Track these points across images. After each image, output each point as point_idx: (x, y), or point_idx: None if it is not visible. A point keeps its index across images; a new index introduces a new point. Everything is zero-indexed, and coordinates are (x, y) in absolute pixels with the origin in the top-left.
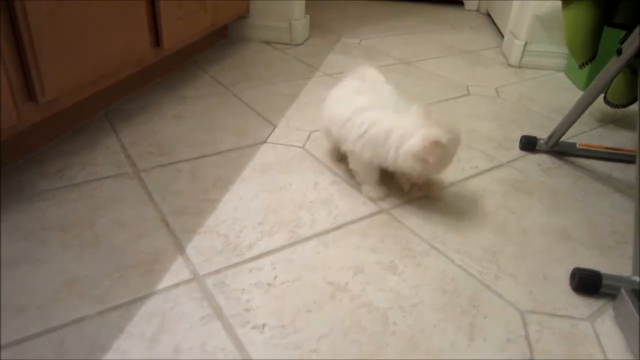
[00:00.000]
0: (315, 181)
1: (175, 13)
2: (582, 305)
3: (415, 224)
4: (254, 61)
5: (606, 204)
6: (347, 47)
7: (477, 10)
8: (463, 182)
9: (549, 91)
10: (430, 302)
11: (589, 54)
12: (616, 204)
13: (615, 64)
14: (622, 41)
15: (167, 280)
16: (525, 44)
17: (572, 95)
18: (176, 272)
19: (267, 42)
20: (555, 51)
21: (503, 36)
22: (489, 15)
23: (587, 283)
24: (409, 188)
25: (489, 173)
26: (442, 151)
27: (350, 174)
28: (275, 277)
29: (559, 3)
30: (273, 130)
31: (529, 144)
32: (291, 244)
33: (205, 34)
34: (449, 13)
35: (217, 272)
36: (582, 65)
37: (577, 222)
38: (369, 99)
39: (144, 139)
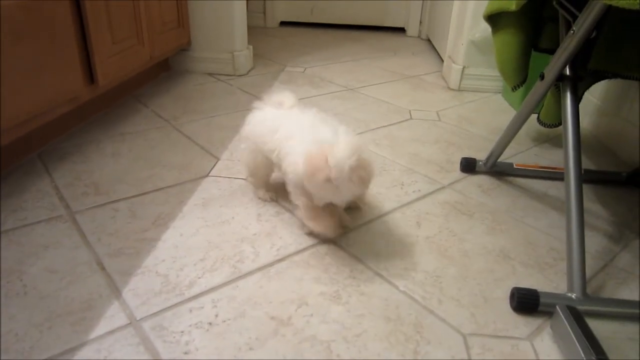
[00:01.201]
0: (258, 213)
1: (110, 49)
2: (522, 324)
3: (359, 251)
4: (197, 93)
5: (543, 222)
6: (291, 76)
7: (419, 36)
8: (406, 207)
9: (487, 113)
10: (374, 332)
11: (519, 77)
12: (553, 222)
13: (540, 87)
14: None
15: (101, 328)
16: (463, 68)
17: (509, 116)
18: (111, 317)
19: (211, 74)
20: (491, 74)
21: (443, 61)
22: (429, 40)
23: (525, 302)
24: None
25: (431, 196)
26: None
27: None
28: (216, 316)
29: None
30: (216, 163)
31: (468, 166)
32: (233, 280)
33: (145, 68)
34: (392, 40)
35: (155, 314)
36: (514, 88)
37: (516, 241)
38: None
39: (79, 179)
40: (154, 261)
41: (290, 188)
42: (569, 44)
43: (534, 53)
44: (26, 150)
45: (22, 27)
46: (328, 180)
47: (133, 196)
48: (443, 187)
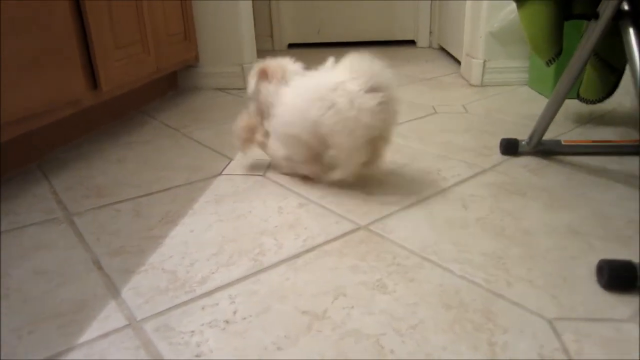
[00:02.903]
0: (278, 206)
1: (113, 54)
2: (619, 304)
3: (400, 236)
4: (206, 106)
5: (611, 194)
6: None
7: (430, 46)
8: (447, 191)
9: (517, 102)
10: (433, 322)
11: (554, 48)
12: (622, 195)
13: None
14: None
15: (93, 331)
16: (484, 62)
17: (541, 104)
18: (106, 319)
19: (221, 89)
20: (514, 66)
21: (460, 63)
22: (442, 49)
23: (620, 276)
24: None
25: (473, 179)
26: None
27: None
28: (234, 312)
29: (511, 17)
30: (229, 163)
31: (510, 147)
32: (253, 274)
33: (152, 80)
34: (403, 51)
35: (159, 314)
36: (549, 62)
37: (583, 217)
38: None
39: (81, 184)
40: (160, 258)
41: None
42: None
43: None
44: (26, 160)
45: (19, 21)
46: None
47: (137, 197)
48: (484, 170)
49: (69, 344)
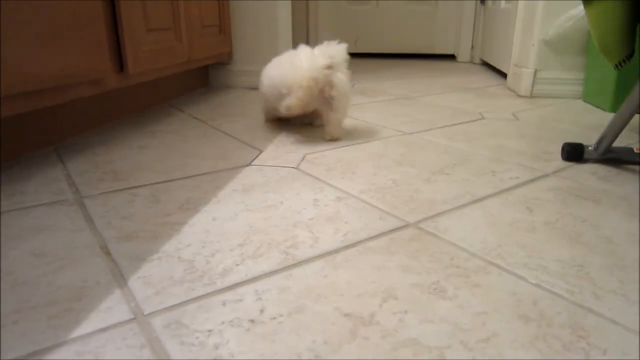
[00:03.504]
0: (314, 198)
1: (143, 37)
2: None
3: (457, 236)
4: (237, 102)
5: None
6: None
7: (471, 61)
8: (506, 192)
9: (573, 113)
10: (509, 335)
11: (625, 49)
12: None
13: None
14: None
15: (90, 323)
16: (535, 71)
17: (601, 116)
18: (108, 310)
19: (253, 88)
20: (569, 77)
21: (505, 76)
22: (484, 64)
23: None
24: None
25: (535, 183)
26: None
27: (361, 187)
28: (261, 311)
29: (568, 24)
30: (259, 154)
31: (574, 153)
32: (285, 268)
33: (182, 72)
34: (443, 64)
35: (171, 308)
36: (619, 65)
37: None
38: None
39: (97, 167)
40: (177, 246)
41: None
42: None
43: None
44: (44, 143)
45: None
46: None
47: (157, 182)
48: (547, 175)
49: (58, 338)
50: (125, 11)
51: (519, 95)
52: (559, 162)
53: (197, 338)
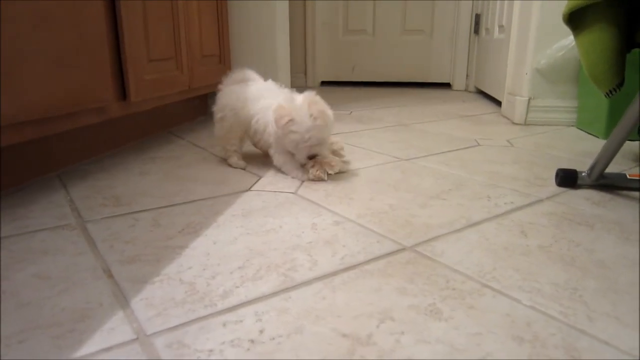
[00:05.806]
0: (312, 222)
1: (145, 67)
2: None
3: (453, 260)
4: None
5: None
6: (338, 117)
7: (466, 89)
8: (501, 217)
9: (567, 140)
10: (503, 356)
11: (615, 78)
12: None
13: None
14: None
15: (94, 343)
16: (529, 99)
17: (594, 143)
18: (111, 331)
19: None
20: (562, 105)
21: (500, 104)
22: (479, 92)
23: None
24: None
25: (529, 208)
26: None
27: (358, 212)
28: (261, 331)
29: (559, 54)
30: (258, 180)
31: (568, 178)
32: (284, 290)
33: (182, 101)
34: (438, 92)
35: (173, 328)
36: (609, 93)
37: None
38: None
39: (99, 193)
40: (178, 268)
41: (272, 140)
42: None
43: None
44: (47, 170)
45: (52, 16)
46: (292, 120)
47: (158, 207)
48: (541, 200)
49: (63, 358)
50: (129, 41)
51: (513, 123)
52: (553, 187)
53: (198, 357)
